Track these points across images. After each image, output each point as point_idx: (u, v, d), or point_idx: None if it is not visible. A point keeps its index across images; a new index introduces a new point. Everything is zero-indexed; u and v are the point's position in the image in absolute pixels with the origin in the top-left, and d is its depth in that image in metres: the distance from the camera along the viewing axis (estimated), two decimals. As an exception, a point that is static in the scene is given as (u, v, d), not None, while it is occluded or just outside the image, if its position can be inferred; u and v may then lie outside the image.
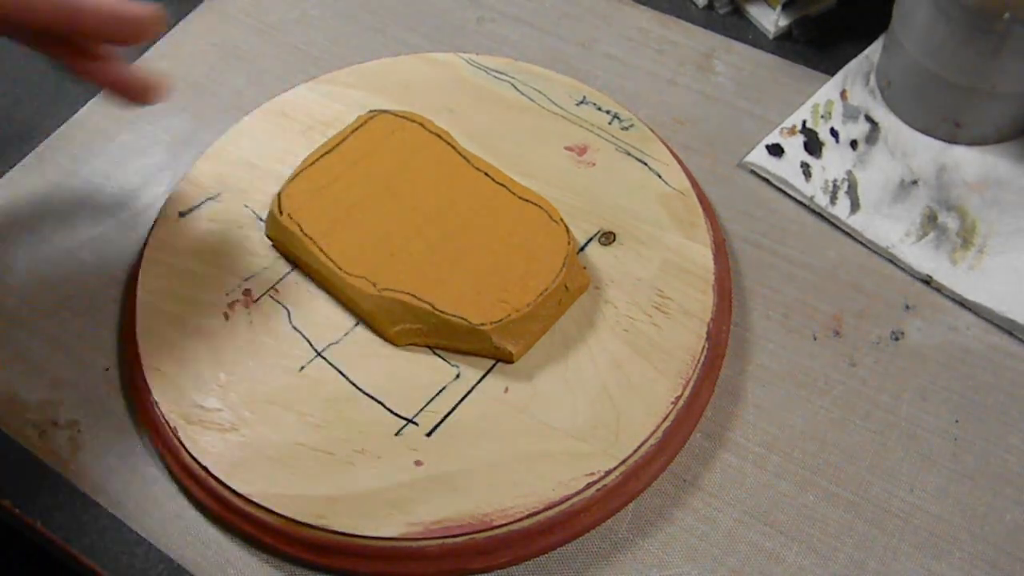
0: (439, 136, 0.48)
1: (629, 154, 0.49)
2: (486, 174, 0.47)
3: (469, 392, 0.42)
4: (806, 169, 0.50)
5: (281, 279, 0.46)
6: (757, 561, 0.39)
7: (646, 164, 0.49)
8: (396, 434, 0.41)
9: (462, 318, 0.42)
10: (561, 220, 0.44)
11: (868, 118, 0.52)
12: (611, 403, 0.41)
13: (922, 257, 0.47)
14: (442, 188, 0.46)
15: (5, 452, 0.44)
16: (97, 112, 0.56)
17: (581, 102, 0.51)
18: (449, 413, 0.41)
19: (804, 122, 0.52)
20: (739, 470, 0.42)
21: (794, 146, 0.51)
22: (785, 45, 0.57)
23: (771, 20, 0.57)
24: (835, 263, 0.48)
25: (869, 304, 0.46)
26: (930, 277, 0.46)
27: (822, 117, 0.52)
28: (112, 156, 0.54)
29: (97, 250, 0.50)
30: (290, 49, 0.59)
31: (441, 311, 0.42)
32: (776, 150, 0.51)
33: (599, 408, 0.41)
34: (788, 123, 0.52)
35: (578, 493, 0.39)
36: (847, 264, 0.48)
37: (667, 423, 0.41)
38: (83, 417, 0.45)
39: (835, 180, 0.50)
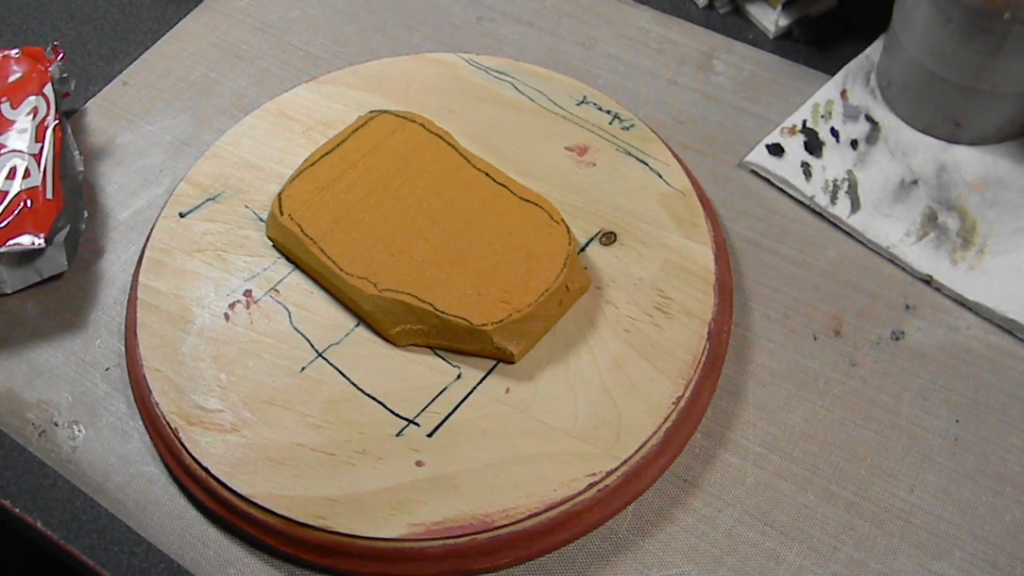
0: (440, 136, 0.48)
1: (630, 154, 0.49)
2: (487, 174, 0.47)
3: (470, 393, 0.42)
4: (806, 169, 0.50)
5: (282, 280, 0.46)
6: (757, 561, 0.40)
7: (647, 164, 0.49)
8: (397, 435, 0.41)
9: (463, 318, 0.42)
10: (562, 220, 0.44)
11: (868, 118, 0.52)
12: (612, 403, 0.41)
13: (922, 257, 0.47)
14: (443, 188, 0.46)
15: (5, 452, 0.44)
16: (97, 112, 0.56)
17: (581, 102, 0.51)
18: (450, 414, 0.41)
19: (804, 122, 0.52)
20: (739, 470, 0.42)
21: (794, 146, 0.51)
22: (785, 45, 0.57)
23: (771, 20, 0.57)
24: (835, 263, 0.48)
25: (869, 304, 0.46)
26: (930, 277, 0.46)
27: (822, 117, 0.52)
28: (112, 156, 0.54)
29: (97, 250, 0.50)
30: (290, 49, 0.59)
31: (442, 311, 0.42)
32: (776, 150, 0.51)
33: (600, 408, 0.41)
34: (788, 123, 0.52)
35: (579, 494, 0.39)
36: (847, 264, 0.48)
37: (668, 423, 0.41)
38: (83, 417, 0.45)
39: (835, 180, 0.50)
